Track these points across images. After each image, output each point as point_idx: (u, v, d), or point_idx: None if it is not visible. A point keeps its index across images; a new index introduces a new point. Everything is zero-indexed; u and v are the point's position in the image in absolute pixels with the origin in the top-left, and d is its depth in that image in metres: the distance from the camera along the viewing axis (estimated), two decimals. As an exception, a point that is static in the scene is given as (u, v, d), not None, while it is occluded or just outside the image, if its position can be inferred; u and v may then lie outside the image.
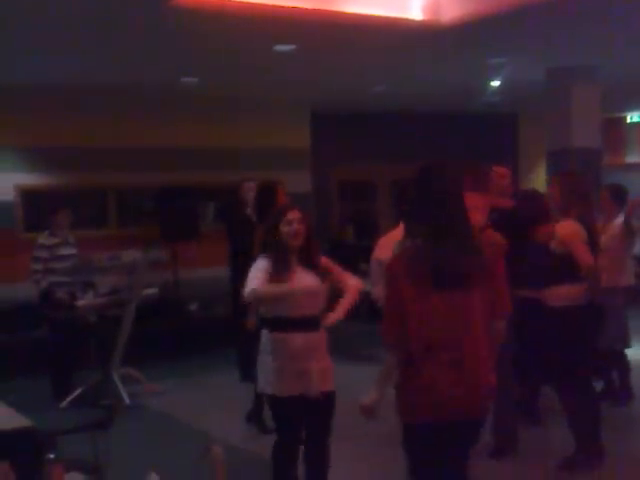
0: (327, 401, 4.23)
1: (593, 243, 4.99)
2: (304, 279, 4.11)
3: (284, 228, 4.13)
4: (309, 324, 4.13)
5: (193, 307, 9.81)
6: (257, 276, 4.05)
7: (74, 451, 3.92)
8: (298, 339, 4.09)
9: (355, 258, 9.95)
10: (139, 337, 7.86)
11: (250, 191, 7.19)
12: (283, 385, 4.10)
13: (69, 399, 7.14)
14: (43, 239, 7.42)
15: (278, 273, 4.06)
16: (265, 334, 4.21)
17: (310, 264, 4.19)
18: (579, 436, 5.03)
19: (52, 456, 3.00)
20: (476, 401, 3.18)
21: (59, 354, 7.43)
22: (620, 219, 6.38)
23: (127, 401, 7.15)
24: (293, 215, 4.16)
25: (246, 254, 5.74)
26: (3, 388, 6.10)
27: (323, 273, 4.23)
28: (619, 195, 6.58)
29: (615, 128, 13.68)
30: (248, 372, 7.37)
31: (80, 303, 7.29)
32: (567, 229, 4.95)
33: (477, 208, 4.36)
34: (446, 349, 3.12)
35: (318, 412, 4.22)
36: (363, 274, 7.89)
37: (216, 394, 7.49)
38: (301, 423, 4.25)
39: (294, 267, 4.13)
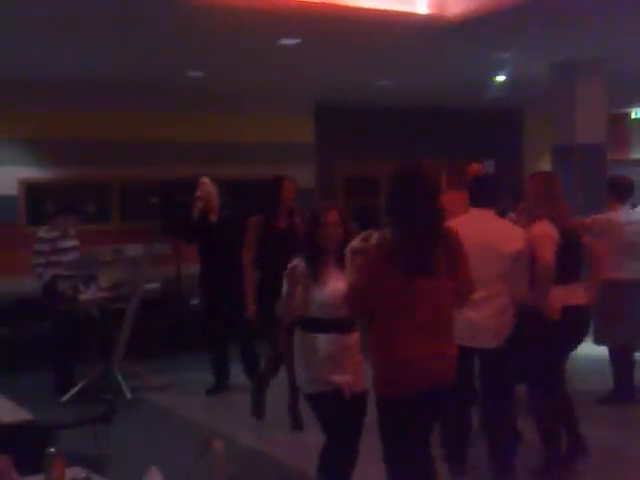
0: (360, 402, 4.13)
1: (571, 244, 4.83)
2: (336, 285, 3.98)
3: (321, 232, 4.07)
4: (341, 326, 4.04)
5: (195, 302, 9.79)
6: (290, 288, 4.06)
7: (75, 445, 3.92)
8: (330, 340, 4.02)
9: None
10: (141, 331, 7.86)
11: (205, 186, 7.22)
12: (317, 383, 4.03)
13: (70, 393, 7.13)
14: (43, 233, 7.41)
15: (314, 278, 4.03)
16: (298, 332, 4.16)
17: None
18: (546, 438, 4.93)
19: (53, 450, 2.97)
20: (447, 371, 3.59)
21: (61, 348, 7.42)
22: (620, 213, 6.32)
23: (128, 395, 7.14)
24: (330, 218, 4.10)
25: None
26: (4, 382, 6.09)
27: None
28: (614, 188, 6.51)
29: (620, 124, 13.63)
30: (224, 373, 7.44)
31: (82, 297, 7.28)
32: (538, 230, 4.79)
33: (455, 203, 4.74)
34: (420, 327, 3.49)
35: (350, 413, 4.08)
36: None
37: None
38: (344, 419, 4.09)
39: (330, 269, 4.07)
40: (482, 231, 4.60)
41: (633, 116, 14.13)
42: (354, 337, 4.10)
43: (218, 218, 7.18)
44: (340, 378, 3.96)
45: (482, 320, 4.52)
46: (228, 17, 6.47)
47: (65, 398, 7.09)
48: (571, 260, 4.86)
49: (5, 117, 9.11)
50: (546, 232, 4.75)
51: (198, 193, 7.23)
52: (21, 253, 8.38)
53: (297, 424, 6.04)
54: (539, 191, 4.97)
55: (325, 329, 4.02)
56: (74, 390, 7.15)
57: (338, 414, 4.04)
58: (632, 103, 13.54)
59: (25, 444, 3.50)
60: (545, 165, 11.27)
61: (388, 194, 3.65)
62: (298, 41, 7.38)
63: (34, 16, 6.22)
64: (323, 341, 4.01)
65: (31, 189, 9.46)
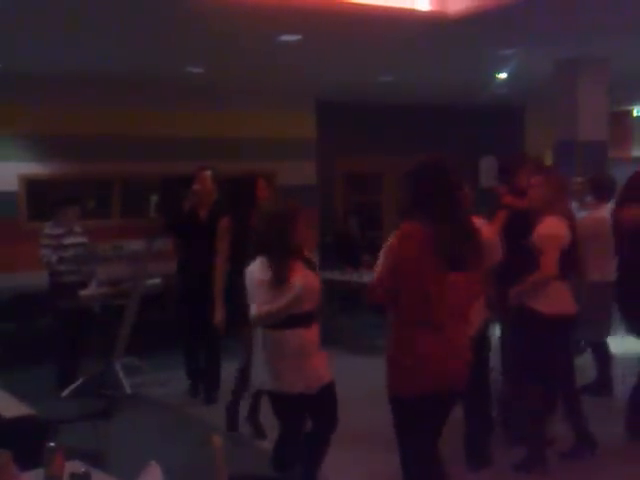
0: (329, 393, 4.25)
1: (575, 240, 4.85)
2: (305, 276, 4.09)
3: (298, 233, 4.11)
4: (307, 320, 4.14)
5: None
6: (256, 295, 4.05)
7: (75, 440, 3.92)
8: (298, 335, 4.08)
9: (359, 250, 9.95)
10: (142, 327, 7.86)
11: (205, 181, 7.01)
12: (284, 381, 4.08)
13: (71, 388, 7.14)
14: (48, 229, 7.41)
15: (279, 278, 4.02)
16: (263, 331, 4.16)
17: (306, 259, 4.21)
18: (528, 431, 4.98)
19: (53, 444, 2.97)
20: (463, 374, 3.55)
21: (64, 343, 7.42)
22: (603, 212, 6.33)
23: (129, 391, 7.15)
24: (304, 219, 4.16)
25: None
26: (5, 377, 6.09)
27: (315, 267, 4.25)
28: (598, 188, 6.59)
29: (622, 121, 13.62)
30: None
31: (83, 293, 7.28)
32: (547, 230, 4.78)
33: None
34: (442, 326, 3.43)
35: (322, 405, 4.23)
36: (367, 266, 7.90)
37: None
38: (303, 418, 4.24)
39: (295, 265, 4.11)
40: None
41: (635, 114, 14.12)
42: (316, 330, 4.19)
43: (207, 216, 6.91)
44: (299, 379, 4.05)
45: None
46: (229, 13, 6.46)
47: (65, 393, 7.10)
48: (569, 256, 4.85)
49: (5, 113, 9.10)
50: (554, 235, 4.74)
51: (195, 186, 7.02)
52: (21, 249, 8.39)
53: (259, 433, 5.79)
54: (558, 186, 4.97)
55: (292, 324, 4.06)
56: (75, 385, 7.16)
57: (297, 413, 4.16)
58: (634, 101, 13.53)
59: (25, 439, 3.50)
60: (547, 162, 11.26)
61: (417, 185, 3.58)
62: (299, 37, 7.37)
63: (34, 11, 6.21)
64: (291, 336, 4.06)
65: (31, 185, 9.46)
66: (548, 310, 4.73)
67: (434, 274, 3.39)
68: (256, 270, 4.10)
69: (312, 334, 4.16)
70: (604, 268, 6.12)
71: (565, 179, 5.09)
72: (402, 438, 3.64)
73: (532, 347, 4.82)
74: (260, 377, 4.22)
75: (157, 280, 7.86)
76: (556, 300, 4.75)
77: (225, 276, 6.04)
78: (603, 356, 6.70)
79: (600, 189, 6.60)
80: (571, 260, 4.82)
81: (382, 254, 3.60)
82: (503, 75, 9.95)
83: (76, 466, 2.99)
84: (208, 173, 7.06)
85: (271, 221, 4.17)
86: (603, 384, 6.61)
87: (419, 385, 3.44)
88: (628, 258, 5.41)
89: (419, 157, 3.69)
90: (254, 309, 4.06)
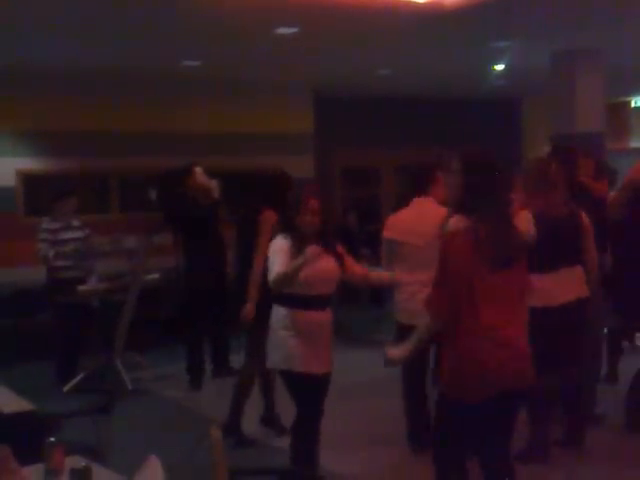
0: (328, 381, 4.35)
1: (561, 232, 4.81)
2: (323, 261, 4.15)
3: (305, 217, 4.16)
4: (324, 302, 4.23)
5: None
6: (280, 261, 4.09)
7: (76, 435, 3.92)
8: (316, 317, 4.18)
9: (358, 244, 9.95)
10: (141, 322, 7.86)
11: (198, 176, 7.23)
12: (302, 360, 4.14)
13: (71, 384, 7.14)
14: (46, 224, 7.41)
15: (299, 251, 4.08)
16: (281, 310, 4.22)
17: (329, 247, 4.24)
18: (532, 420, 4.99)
19: (53, 439, 2.98)
20: (525, 373, 3.42)
21: (63, 338, 7.43)
22: None
23: (129, 386, 7.15)
24: (314, 204, 4.19)
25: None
26: (4, 373, 6.09)
27: (340, 259, 4.28)
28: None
29: (619, 113, 13.60)
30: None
31: (81, 288, 7.28)
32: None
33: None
34: (499, 326, 3.33)
35: (320, 391, 4.30)
36: (365, 259, 7.90)
37: (218, 379, 7.48)
38: (320, 398, 4.31)
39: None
40: (429, 217, 4.79)
41: (633, 105, 14.09)
42: (330, 314, 4.27)
43: (207, 212, 7.09)
44: (314, 360, 4.13)
45: None
46: (225, 6, 6.44)
47: (66, 388, 7.11)
48: (559, 247, 4.83)
49: (3, 108, 9.08)
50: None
51: (190, 182, 7.19)
52: (19, 244, 8.38)
53: (278, 430, 5.70)
54: (534, 179, 4.96)
55: (306, 305, 4.15)
56: (75, 381, 7.16)
57: (313, 393, 4.21)
58: (632, 92, 13.51)
59: (25, 434, 3.50)
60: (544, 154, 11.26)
61: (471, 180, 3.44)
62: (296, 30, 7.35)
63: (32, 7, 6.20)
64: (304, 316, 4.14)
65: (29, 180, 9.45)
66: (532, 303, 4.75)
67: (482, 274, 3.31)
68: (278, 242, 4.20)
69: (327, 317, 4.25)
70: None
71: (551, 171, 5.01)
72: (445, 440, 3.57)
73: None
74: (274, 357, 4.27)
75: (156, 275, 7.86)
76: (540, 292, 4.74)
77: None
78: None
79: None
80: (558, 252, 4.82)
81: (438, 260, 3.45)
82: (500, 67, 9.94)
83: (76, 461, 3.00)
84: (199, 169, 7.31)
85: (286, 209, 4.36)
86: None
87: (479, 390, 3.34)
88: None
89: (466, 150, 3.58)
90: (273, 271, 4.11)
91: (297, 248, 4.10)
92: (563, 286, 4.86)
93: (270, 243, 4.30)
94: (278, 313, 4.25)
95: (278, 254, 4.14)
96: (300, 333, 4.14)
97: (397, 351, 3.49)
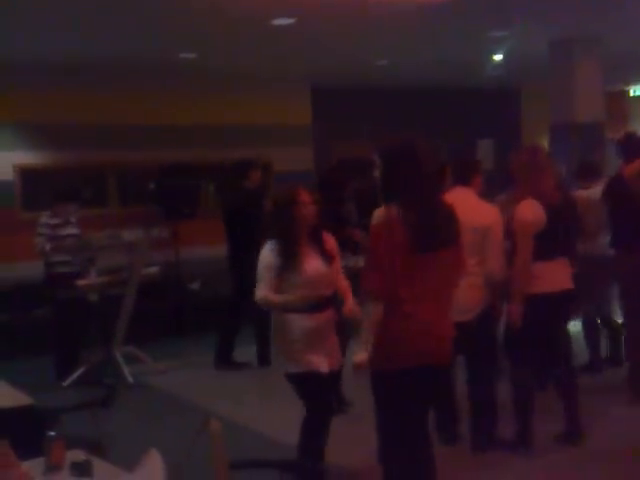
0: (336, 379, 4.38)
1: (555, 220, 4.79)
2: (313, 264, 4.11)
3: (301, 211, 4.12)
4: (325, 304, 4.17)
5: (195, 286, 9.78)
6: (266, 277, 4.07)
7: (76, 429, 3.92)
8: (316, 319, 4.13)
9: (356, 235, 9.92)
10: (141, 316, 7.85)
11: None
12: (310, 361, 4.12)
13: (71, 378, 7.13)
14: (45, 218, 7.39)
15: (288, 263, 4.05)
16: (282, 316, 4.18)
17: (319, 243, 4.21)
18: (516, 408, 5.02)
19: (53, 433, 2.97)
20: (447, 350, 3.60)
21: (63, 333, 7.42)
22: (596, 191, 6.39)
23: (130, 380, 7.14)
24: (306, 197, 4.16)
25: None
26: (4, 367, 6.08)
27: (329, 256, 4.23)
28: (589, 170, 6.71)
29: (618, 101, 13.59)
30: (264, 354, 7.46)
31: (80, 282, 7.26)
32: (520, 215, 4.78)
33: (461, 198, 4.62)
34: (423, 306, 3.49)
35: (329, 389, 4.30)
36: (364, 250, 7.87)
37: (217, 372, 7.48)
38: (331, 398, 4.34)
39: (304, 250, 4.12)
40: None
41: (632, 94, 14.08)
42: (330, 314, 4.22)
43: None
44: (318, 359, 4.10)
45: None
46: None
47: (66, 383, 7.10)
48: (557, 234, 4.82)
49: (1, 102, 9.06)
50: (527, 219, 4.74)
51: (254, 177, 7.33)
52: (18, 239, 8.37)
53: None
54: (523, 166, 4.95)
55: (312, 308, 4.09)
56: (75, 375, 7.15)
57: (318, 391, 4.19)
58: (630, 80, 13.49)
59: (25, 428, 3.49)
60: (544, 143, 11.25)
61: (387, 171, 3.63)
62: (292, 21, 7.32)
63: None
64: (303, 319, 4.10)
65: (27, 174, 9.42)
66: (529, 290, 4.76)
67: (404, 257, 3.42)
68: (267, 254, 4.14)
69: (328, 316, 4.21)
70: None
71: (545, 159, 5.01)
72: (383, 417, 3.72)
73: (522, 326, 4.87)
74: (283, 361, 4.25)
75: (155, 268, 7.84)
76: (539, 280, 4.75)
77: None
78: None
79: (590, 171, 6.70)
80: (558, 240, 4.81)
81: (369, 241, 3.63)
82: (499, 57, 9.91)
83: (77, 455, 2.99)
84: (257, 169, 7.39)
85: (274, 208, 4.30)
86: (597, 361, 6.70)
87: (399, 360, 3.49)
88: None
89: (387, 141, 3.75)
90: (260, 290, 4.08)
91: (286, 256, 4.06)
92: (563, 272, 4.86)
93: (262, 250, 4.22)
94: (279, 318, 4.21)
95: (264, 271, 4.10)
96: (303, 336, 4.10)
97: (361, 354, 3.54)
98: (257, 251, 4.24)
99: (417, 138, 3.69)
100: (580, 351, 6.53)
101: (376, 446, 4.34)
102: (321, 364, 4.13)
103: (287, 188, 4.31)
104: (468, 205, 4.64)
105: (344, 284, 4.36)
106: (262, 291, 4.08)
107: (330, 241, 4.30)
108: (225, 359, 7.49)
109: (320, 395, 4.23)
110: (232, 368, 7.42)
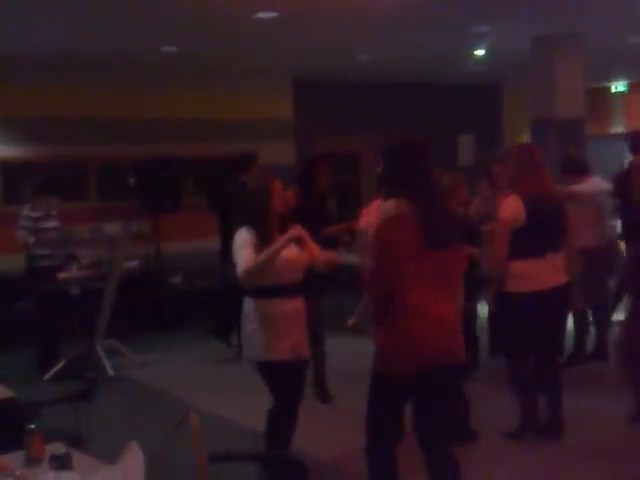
0: (305, 367, 4.41)
1: (548, 215, 4.83)
2: (287, 249, 4.15)
3: (276, 199, 4.20)
4: (293, 290, 4.23)
5: (176, 280, 9.77)
6: (245, 255, 4.08)
7: (56, 422, 3.91)
8: (286, 305, 4.18)
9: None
10: (122, 310, 7.83)
11: None
12: (274, 349, 4.14)
13: (53, 371, 7.12)
14: (27, 211, 7.37)
15: (264, 244, 4.09)
16: (251, 302, 4.22)
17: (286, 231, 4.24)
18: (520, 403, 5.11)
19: (32, 426, 2.97)
20: (455, 353, 3.53)
21: (44, 326, 7.39)
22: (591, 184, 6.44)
23: (110, 373, 7.14)
24: (278, 187, 4.26)
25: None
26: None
27: (301, 244, 4.27)
28: (579, 164, 6.78)
29: (599, 98, 13.66)
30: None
31: (61, 276, 7.24)
32: (502, 213, 4.82)
33: None
34: (433, 305, 3.42)
35: (297, 378, 4.33)
36: (345, 245, 7.89)
37: (198, 366, 7.49)
38: (297, 387, 4.34)
39: (275, 237, 4.16)
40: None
41: (613, 90, 14.16)
42: (301, 302, 4.28)
43: None
44: (283, 348, 4.13)
45: None
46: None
47: (47, 376, 7.08)
48: (547, 232, 4.86)
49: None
50: (505, 216, 4.78)
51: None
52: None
53: (326, 398, 6.06)
54: (521, 164, 4.97)
55: (276, 294, 4.15)
56: (56, 368, 7.14)
57: (288, 380, 4.23)
58: (612, 77, 13.56)
59: (5, 421, 3.49)
60: (524, 139, 11.32)
61: (395, 167, 3.57)
62: (274, 14, 7.31)
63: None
64: (278, 305, 4.15)
65: (8, 168, 9.36)
66: (510, 289, 4.82)
67: (415, 255, 3.37)
68: (244, 233, 4.17)
69: (298, 304, 4.26)
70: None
71: (536, 156, 5.05)
72: (376, 415, 3.67)
73: (508, 325, 4.98)
74: (249, 349, 4.26)
75: (135, 262, 7.83)
76: (528, 278, 4.78)
77: None
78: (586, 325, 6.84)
79: (581, 165, 6.76)
80: (547, 237, 4.84)
81: (370, 241, 3.56)
82: (481, 52, 9.94)
83: (57, 448, 2.99)
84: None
85: (248, 195, 4.39)
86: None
87: (416, 362, 3.42)
88: None
89: (394, 135, 3.68)
90: (243, 263, 4.07)
91: (262, 240, 4.10)
92: (553, 269, 4.87)
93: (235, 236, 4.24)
94: (249, 305, 4.24)
95: (244, 247, 4.11)
96: (272, 323, 4.13)
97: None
98: None
99: (420, 134, 3.67)
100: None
101: (352, 438, 4.35)
102: (286, 353, 4.15)
103: (261, 177, 4.45)
104: None
105: (321, 255, 4.37)
106: (245, 262, 4.06)
107: (297, 228, 4.30)
108: (223, 333, 7.69)
109: (285, 384, 4.25)
110: (224, 343, 7.66)
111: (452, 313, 3.55)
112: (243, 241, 4.13)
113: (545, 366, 5.10)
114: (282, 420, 4.29)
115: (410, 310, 3.40)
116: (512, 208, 4.77)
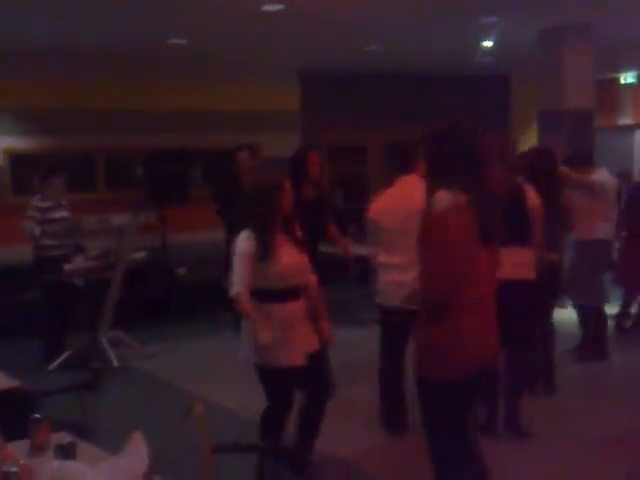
0: (319, 361, 4.29)
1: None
2: (288, 253, 4.13)
3: (286, 198, 4.13)
4: (294, 294, 4.17)
5: (182, 271, 9.78)
6: (242, 274, 4.01)
7: (62, 411, 3.93)
8: (282, 309, 4.11)
9: (344, 222, 9.94)
10: (128, 301, 7.86)
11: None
12: (270, 355, 4.09)
13: (58, 361, 7.15)
14: (36, 202, 7.39)
15: (265, 252, 4.03)
16: (254, 304, 4.15)
17: (291, 232, 4.22)
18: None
19: (38, 415, 2.98)
20: (496, 349, 3.37)
21: (50, 317, 7.42)
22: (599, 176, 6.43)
23: (115, 364, 7.16)
24: (288, 184, 4.18)
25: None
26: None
27: (302, 246, 4.24)
28: (586, 157, 6.82)
29: (608, 89, 13.58)
30: None
31: (67, 267, 7.26)
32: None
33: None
34: (486, 301, 3.23)
35: (311, 375, 4.26)
36: (353, 237, 7.91)
37: (203, 357, 7.50)
38: (290, 391, 4.29)
39: (279, 238, 4.12)
40: (408, 197, 4.69)
41: (622, 81, 14.07)
42: (303, 304, 4.22)
43: None
44: (280, 355, 4.06)
45: (409, 281, 4.22)
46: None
47: (52, 366, 7.11)
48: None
49: (-12, 86, 9.02)
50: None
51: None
52: (7, 224, 8.34)
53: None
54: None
55: (280, 298, 4.09)
56: (62, 359, 7.17)
57: (284, 387, 4.21)
58: (620, 68, 13.48)
59: (11, 410, 3.50)
60: (533, 132, 11.27)
61: (444, 154, 3.19)
62: (281, 7, 7.29)
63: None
64: (279, 310, 4.08)
65: (16, 159, 9.38)
66: None
67: (473, 247, 3.11)
68: (243, 245, 4.08)
69: (298, 307, 4.19)
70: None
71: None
72: (438, 431, 3.29)
73: None
74: (246, 351, 4.22)
75: (142, 253, 7.85)
76: None
77: None
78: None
79: (588, 158, 6.75)
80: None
81: (420, 242, 3.18)
82: (488, 44, 9.90)
83: (62, 437, 3.00)
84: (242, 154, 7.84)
85: (255, 193, 4.19)
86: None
87: (465, 366, 3.16)
88: None
89: (440, 121, 3.32)
90: (237, 286, 4.02)
91: (262, 245, 4.02)
92: (513, 261, 4.67)
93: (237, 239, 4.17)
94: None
95: (241, 266, 4.04)
96: (274, 326, 4.06)
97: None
98: None
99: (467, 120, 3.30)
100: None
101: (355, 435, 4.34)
102: (291, 359, 4.10)
103: (270, 173, 4.27)
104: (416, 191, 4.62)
105: (313, 281, 4.33)
106: (238, 288, 4.01)
107: (299, 231, 4.30)
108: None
109: (285, 390, 4.24)
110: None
111: (493, 313, 3.30)
112: (243, 253, 4.05)
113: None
114: (273, 421, 4.29)
115: (472, 309, 3.14)
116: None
